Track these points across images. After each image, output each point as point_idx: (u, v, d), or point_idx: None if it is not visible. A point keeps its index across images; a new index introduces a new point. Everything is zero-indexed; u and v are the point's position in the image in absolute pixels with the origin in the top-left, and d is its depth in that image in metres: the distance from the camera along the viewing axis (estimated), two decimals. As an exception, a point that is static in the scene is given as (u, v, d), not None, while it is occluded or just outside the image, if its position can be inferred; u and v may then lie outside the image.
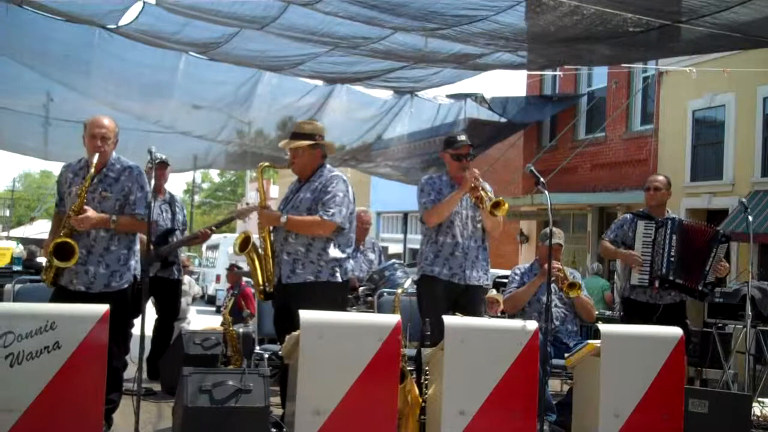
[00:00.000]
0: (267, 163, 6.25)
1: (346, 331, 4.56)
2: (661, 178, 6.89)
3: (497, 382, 4.65)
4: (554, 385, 7.51)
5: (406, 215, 25.79)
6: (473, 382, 4.64)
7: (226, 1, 8.04)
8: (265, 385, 4.83)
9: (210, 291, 26.30)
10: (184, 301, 9.36)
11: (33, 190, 62.79)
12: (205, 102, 11.76)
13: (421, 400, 5.04)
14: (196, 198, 47.69)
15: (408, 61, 10.06)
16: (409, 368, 5.26)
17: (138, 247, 5.51)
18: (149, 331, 5.43)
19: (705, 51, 10.77)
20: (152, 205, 5.12)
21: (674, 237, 6.52)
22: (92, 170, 5.18)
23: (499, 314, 8.13)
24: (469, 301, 5.75)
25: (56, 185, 5.62)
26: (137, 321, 5.07)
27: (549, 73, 17.09)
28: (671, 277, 6.47)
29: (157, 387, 7.12)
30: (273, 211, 5.58)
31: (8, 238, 36.24)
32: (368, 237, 8.34)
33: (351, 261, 5.58)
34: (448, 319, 4.76)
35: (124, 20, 9.18)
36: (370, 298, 7.23)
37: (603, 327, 5.12)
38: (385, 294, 7.03)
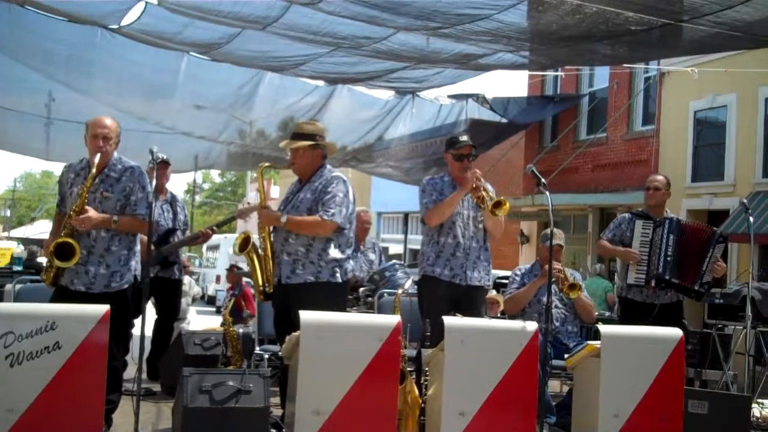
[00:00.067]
0: (267, 164, 6.25)
1: (346, 331, 4.56)
2: (660, 178, 6.90)
3: (497, 383, 4.65)
4: (554, 385, 7.51)
5: (406, 216, 25.79)
6: (473, 382, 4.64)
7: (228, 1, 8.04)
8: (265, 386, 4.83)
9: (210, 291, 26.29)
10: (184, 301, 9.36)
11: (34, 191, 62.87)
12: (207, 102, 11.78)
13: (420, 401, 5.04)
14: (197, 198, 47.70)
15: (409, 62, 10.06)
16: (409, 369, 5.26)
17: (138, 247, 5.51)
18: (149, 332, 5.43)
19: (707, 51, 10.77)
20: (153, 205, 5.12)
21: (671, 237, 6.53)
22: (94, 170, 5.18)
23: (499, 315, 8.14)
24: (470, 301, 5.75)
25: (58, 185, 5.62)
26: (137, 321, 5.07)
27: (550, 73, 17.10)
28: (668, 277, 6.47)
29: (156, 387, 7.12)
30: (273, 211, 5.59)
31: (9, 238, 36.25)
32: (369, 237, 8.35)
33: (351, 261, 5.58)
34: (448, 320, 4.76)
35: (126, 20, 9.19)
36: (370, 299, 7.23)
37: (603, 328, 5.13)
38: (385, 294, 7.04)
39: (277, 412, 5.46)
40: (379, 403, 4.48)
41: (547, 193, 5.39)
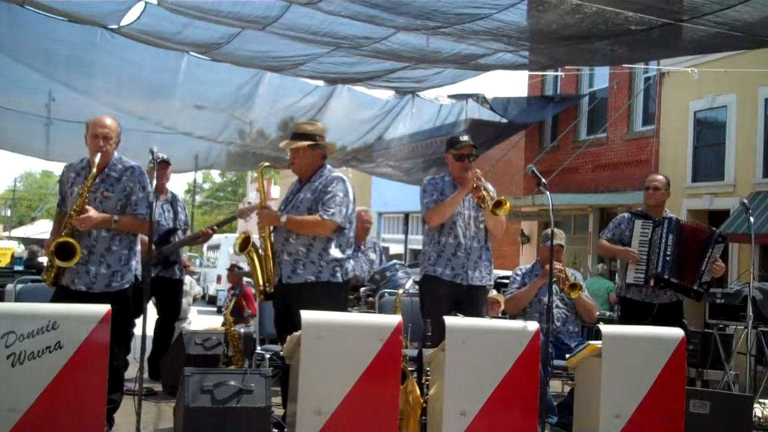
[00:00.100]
0: (267, 163, 6.25)
1: (348, 331, 4.56)
2: (660, 177, 6.90)
3: (498, 383, 4.65)
4: (555, 385, 7.51)
5: (407, 216, 25.80)
6: (474, 382, 4.64)
7: (227, 1, 8.04)
8: (266, 386, 4.83)
9: (211, 291, 26.29)
10: (185, 301, 9.36)
11: (34, 190, 62.89)
12: (207, 102, 11.78)
13: (422, 401, 5.04)
14: (198, 198, 47.71)
15: (409, 62, 10.06)
16: (410, 369, 5.26)
17: (139, 247, 5.51)
18: (150, 331, 5.43)
19: (707, 51, 10.77)
20: (154, 205, 5.12)
21: (671, 236, 6.53)
22: (94, 170, 5.18)
23: (499, 315, 8.14)
24: (472, 301, 5.75)
25: (58, 185, 5.63)
26: (138, 321, 5.07)
27: (550, 73, 17.10)
28: (666, 276, 6.47)
29: (158, 387, 7.12)
30: (273, 211, 5.60)
31: (9, 237, 36.25)
32: (369, 237, 8.35)
33: (352, 261, 5.59)
34: (449, 320, 4.75)
35: (126, 20, 9.18)
36: (371, 299, 7.23)
37: (604, 328, 5.12)
38: (386, 294, 7.03)
39: (278, 411, 5.46)
40: (380, 403, 4.48)
41: (548, 193, 5.39)
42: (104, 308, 4.34)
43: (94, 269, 5.21)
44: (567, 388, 7.30)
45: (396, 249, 25.75)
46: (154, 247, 5.56)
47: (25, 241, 28.15)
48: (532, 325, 4.82)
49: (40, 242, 15.13)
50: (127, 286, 5.32)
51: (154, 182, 5.14)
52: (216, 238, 23.31)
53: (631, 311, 6.67)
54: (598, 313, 7.78)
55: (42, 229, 33.38)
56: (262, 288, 5.62)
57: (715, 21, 6.98)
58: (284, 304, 5.44)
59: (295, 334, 4.61)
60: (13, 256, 21.68)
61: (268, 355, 6.79)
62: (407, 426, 4.95)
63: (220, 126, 12.50)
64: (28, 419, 4.10)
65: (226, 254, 24.52)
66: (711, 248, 6.50)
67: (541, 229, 17.16)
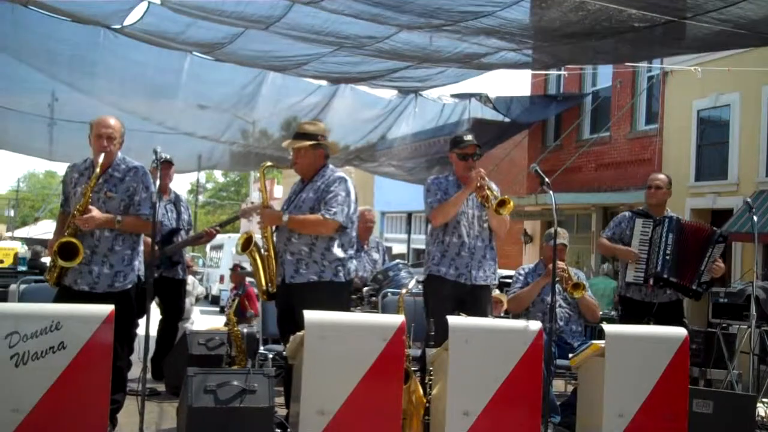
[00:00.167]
0: (269, 163, 6.25)
1: (351, 331, 4.56)
2: (662, 176, 6.89)
3: (501, 383, 4.64)
4: (558, 385, 7.52)
5: (410, 215, 25.79)
6: (477, 382, 4.64)
7: (230, 0, 8.04)
8: (269, 386, 4.83)
9: (214, 291, 26.32)
10: (187, 301, 9.37)
11: (37, 191, 62.96)
12: (210, 102, 11.80)
13: (425, 401, 5.04)
14: (201, 198, 47.72)
15: (412, 61, 10.06)
16: (413, 368, 5.26)
17: (142, 247, 5.52)
18: (153, 332, 5.44)
19: (712, 49, 10.75)
20: (157, 205, 5.12)
21: (671, 235, 6.52)
22: (98, 170, 5.19)
23: (502, 314, 8.14)
24: (476, 301, 5.75)
25: (61, 185, 5.64)
26: (142, 321, 5.08)
27: (554, 72, 17.09)
28: (666, 275, 6.46)
29: (161, 387, 7.13)
30: (275, 211, 5.60)
31: (12, 238, 36.30)
32: (372, 236, 8.35)
33: (354, 261, 5.59)
34: (453, 320, 4.75)
35: (129, 20, 9.19)
36: (374, 299, 7.23)
37: (607, 327, 5.11)
38: (389, 294, 7.03)
39: (281, 411, 5.46)
40: (383, 402, 4.48)
41: (551, 192, 5.38)
42: (107, 308, 4.34)
43: (96, 269, 5.22)
44: (570, 388, 7.30)
45: (399, 248, 25.74)
46: (156, 247, 5.56)
47: (29, 241, 28.20)
48: (535, 325, 4.82)
49: (43, 242, 15.14)
50: (129, 286, 5.32)
51: (158, 182, 5.15)
52: (219, 238, 23.31)
53: (631, 310, 6.67)
54: (601, 313, 7.77)
55: (45, 229, 33.42)
56: (264, 288, 5.62)
57: (719, 18, 6.97)
58: (287, 303, 5.44)
59: (298, 334, 4.61)
60: (16, 256, 21.70)
61: (271, 355, 6.80)
62: (410, 426, 4.95)
63: (223, 126, 12.51)
64: (32, 419, 4.10)
65: (229, 254, 24.54)
66: (711, 248, 6.48)
67: (544, 228, 17.15)
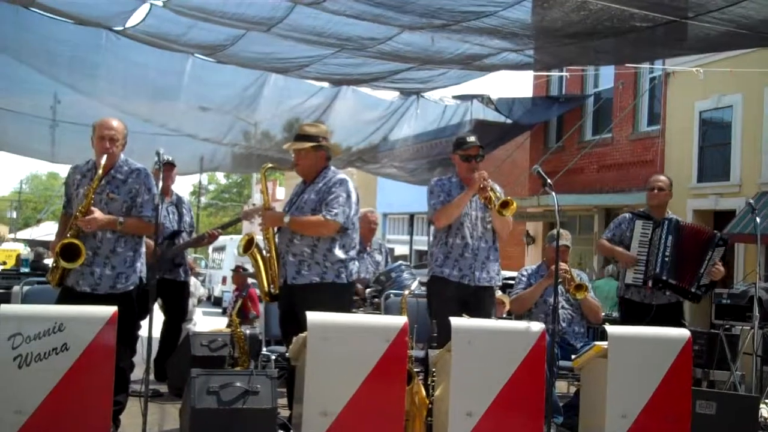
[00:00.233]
0: (270, 165, 6.26)
1: (353, 332, 4.56)
2: (663, 178, 6.89)
3: (504, 384, 4.64)
4: (561, 386, 7.51)
5: (412, 217, 25.78)
6: (480, 383, 4.64)
7: (232, 2, 8.05)
8: (272, 387, 4.84)
9: (216, 293, 26.34)
10: (190, 302, 9.37)
11: (40, 192, 63.04)
12: (212, 104, 11.80)
13: (428, 402, 5.04)
14: (203, 200, 47.77)
15: (414, 63, 10.06)
16: (416, 370, 5.26)
17: (144, 249, 5.52)
18: (156, 333, 5.44)
19: (714, 49, 10.74)
20: (160, 207, 5.13)
21: (670, 237, 6.51)
22: (100, 171, 5.19)
23: (505, 315, 8.13)
24: (479, 302, 5.75)
25: (64, 187, 5.64)
26: (145, 323, 5.08)
27: (555, 74, 17.08)
28: (664, 277, 6.45)
29: (164, 388, 7.13)
30: (277, 212, 5.62)
31: (15, 239, 36.35)
32: (375, 238, 8.35)
33: (356, 263, 5.59)
34: (456, 321, 4.75)
35: (131, 22, 9.20)
36: (376, 300, 7.23)
37: (610, 329, 5.11)
38: (391, 295, 7.03)
39: (284, 413, 5.46)
40: (386, 404, 4.48)
41: (553, 193, 5.38)
42: (110, 310, 4.35)
43: (98, 270, 5.22)
44: (573, 389, 7.29)
45: (401, 250, 25.74)
46: (155, 249, 5.57)
47: (31, 243, 28.24)
48: (538, 326, 4.82)
49: (45, 244, 15.15)
50: (131, 287, 5.33)
51: (160, 184, 5.15)
52: (221, 239, 23.30)
53: (630, 312, 6.66)
54: (605, 314, 7.76)
55: (48, 231, 33.45)
56: (266, 289, 5.63)
57: (721, 18, 6.96)
58: (289, 305, 5.45)
59: (300, 335, 4.61)
60: (18, 258, 21.68)
61: (273, 357, 6.80)
62: (413, 427, 4.95)
63: (225, 128, 12.51)
64: (35, 421, 4.11)
65: (231, 256, 24.55)
66: (711, 251, 6.46)
67: (546, 229, 17.16)
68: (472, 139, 5.96)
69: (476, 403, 4.61)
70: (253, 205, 8.40)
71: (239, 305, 8.92)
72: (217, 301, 25.51)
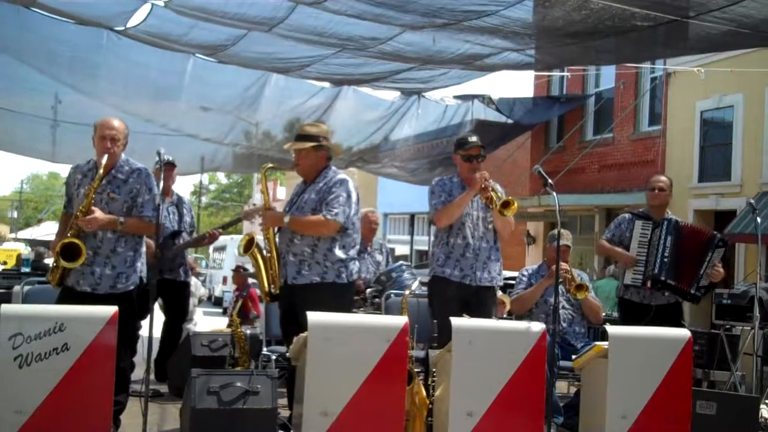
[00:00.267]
0: (271, 165, 6.27)
1: (354, 332, 4.56)
2: (664, 178, 6.88)
3: (505, 384, 4.64)
4: (561, 386, 7.51)
5: (413, 217, 25.78)
6: (481, 383, 4.64)
7: (233, 2, 8.05)
8: (272, 387, 4.84)
9: (217, 293, 26.35)
10: (190, 302, 9.37)
11: (40, 192, 63.03)
12: (213, 104, 11.81)
13: (428, 402, 5.04)
14: (204, 199, 47.80)
15: (415, 63, 10.06)
16: (416, 370, 5.26)
17: (144, 249, 5.53)
18: (157, 333, 5.44)
19: (715, 49, 10.73)
20: (161, 207, 5.13)
21: (669, 238, 6.49)
22: (101, 171, 5.19)
23: (505, 315, 8.14)
24: (480, 302, 5.75)
25: (65, 186, 5.64)
26: (145, 323, 5.08)
27: (556, 74, 17.08)
28: (663, 278, 6.43)
29: (164, 389, 7.13)
30: (277, 212, 5.63)
31: (16, 239, 36.36)
32: (376, 238, 8.35)
33: (357, 262, 5.60)
34: (456, 321, 4.75)
35: (132, 22, 9.21)
36: (377, 300, 7.23)
37: (610, 329, 5.11)
38: (392, 295, 7.04)
39: (284, 413, 5.46)
40: (386, 404, 4.48)
41: (554, 193, 5.38)
42: (111, 310, 4.35)
43: (99, 270, 5.22)
44: (573, 389, 7.29)
45: (402, 250, 25.74)
46: (156, 249, 5.57)
47: (32, 242, 28.23)
48: (539, 326, 4.82)
49: (46, 244, 15.12)
50: (131, 287, 5.33)
51: (161, 184, 5.16)
52: (222, 239, 23.31)
53: (629, 312, 6.65)
54: (606, 314, 7.76)
55: (48, 230, 33.43)
56: (267, 289, 5.63)
57: (722, 17, 6.96)
58: (290, 304, 5.45)
59: (301, 335, 4.61)
60: (19, 257, 21.69)
61: (274, 357, 6.80)
62: (413, 427, 4.95)
63: (226, 128, 12.51)
64: (35, 421, 4.11)
65: (232, 256, 24.56)
66: (711, 252, 6.44)
67: (547, 229, 17.15)
68: (473, 139, 5.97)
69: (477, 404, 4.61)
70: (254, 205, 8.41)
71: (240, 305, 8.91)
72: (217, 301, 25.52)
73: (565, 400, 6.67)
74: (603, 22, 7.44)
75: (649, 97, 16.15)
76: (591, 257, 17.07)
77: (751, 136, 13.38)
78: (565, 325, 6.72)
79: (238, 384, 4.76)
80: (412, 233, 26.01)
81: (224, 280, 24.72)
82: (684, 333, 5.10)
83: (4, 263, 21.92)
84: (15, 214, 54.10)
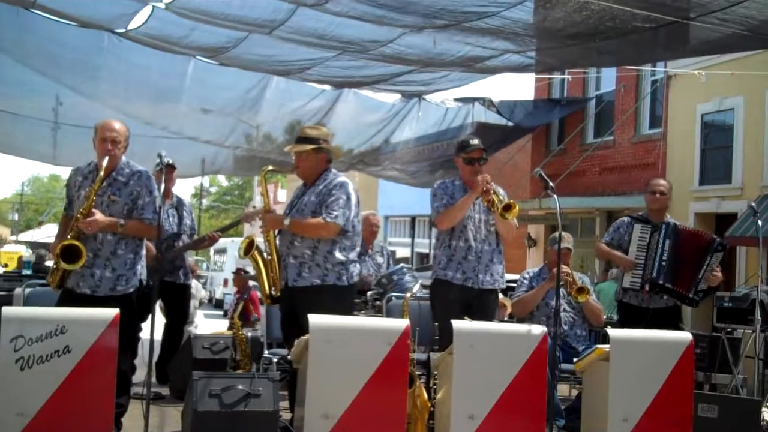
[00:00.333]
0: (271, 167, 6.27)
1: (355, 335, 4.56)
2: (664, 182, 6.89)
3: (506, 387, 4.64)
4: (563, 389, 7.49)
5: (413, 219, 25.77)
6: (482, 386, 4.63)
7: (234, 4, 8.06)
8: (274, 390, 4.83)
9: (218, 295, 26.35)
10: (191, 305, 9.37)
11: (41, 194, 63.05)
12: (214, 106, 11.81)
13: (429, 405, 5.03)
14: (204, 202, 47.81)
15: (416, 65, 10.07)
16: (418, 373, 5.26)
17: (145, 251, 5.52)
18: (158, 336, 5.44)
19: (716, 51, 10.73)
20: (161, 210, 5.14)
21: (668, 241, 6.49)
22: (101, 173, 5.19)
23: (506, 318, 8.13)
24: (482, 305, 5.74)
25: (65, 189, 5.64)
26: (146, 325, 5.08)
27: (557, 76, 17.08)
28: (661, 281, 6.43)
29: (165, 391, 7.13)
30: (277, 215, 5.64)
31: (17, 242, 36.37)
32: (377, 241, 8.36)
33: (357, 265, 5.60)
34: (457, 324, 4.75)
35: (133, 24, 9.21)
36: (378, 303, 7.23)
37: (612, 332, 5.11)
38: (393, 298, 7.03)
39: (286, 415, 5.46)
40: (388, 406, 4.48)
41: (555, 196, 5.37)
42: (112, 312, 4.35)
43: (99, 272, 5.22)
44: (575, 392, 7.28)
45: (402, 252, 25.72)
46: (157, 252, 5.57)
47: (33, 245, 28.25)
48: (540, 329, 4.82)
49: (47, 246, 15.14)
50: (131, 290, 5.33)
51: (162, 187, 5.15)
52: (222, 242, 23.36)
53: (628, 315, 6.64)
54: (607, 317, 7.75)
55: (49, 233, 33.43)
56: (268, 292, 5.63)
57: (723, 19, 6.96)
58: (290, 307, 5.45)
59: (302, 338, 4.61)
60: (20, 260, 21.73)
61: (275, 359, 6.80)
62: (415, 430, 4.95)
63: (226, 130, 12.52)
64: (37, 423, 4.11)
65: (232, 258, 24.55)
66: (710, 256, 6.43)
67: (548, 232, 17.15)
68: (475, 142, 5.97)
69: (478, 406, 4.60)
70: (254, 207, 8.40)
71: (241, 308, 8.91)
72: (218, 304, 25.52)
73: (567, 403, 6.66)
74: (604, 23, 7.44)
75: (649, 99, 16.14)
76: (592, 260, 17.05)
77: (752, 139, 13.37)
78: (566, 327, 6.71)
79: (240, 387, 4.75)
80: (412, 236, 26.01)
81: (225, 282, 24.72)
82: (685, 336, 5.10)
83: (5, 266, 21.93)
84: (16, 217, 54.10)
